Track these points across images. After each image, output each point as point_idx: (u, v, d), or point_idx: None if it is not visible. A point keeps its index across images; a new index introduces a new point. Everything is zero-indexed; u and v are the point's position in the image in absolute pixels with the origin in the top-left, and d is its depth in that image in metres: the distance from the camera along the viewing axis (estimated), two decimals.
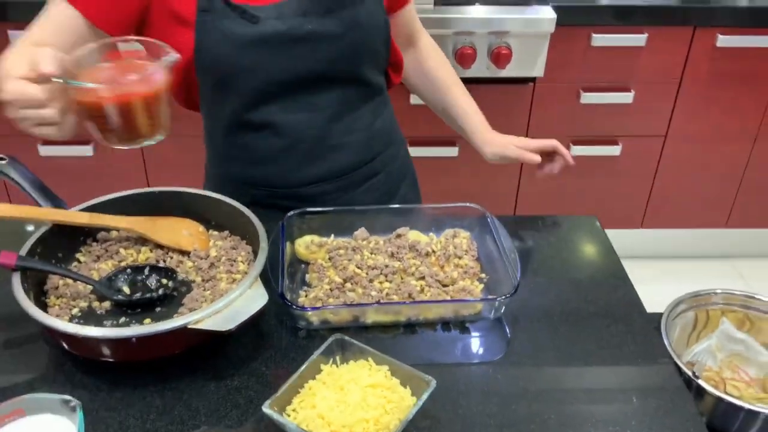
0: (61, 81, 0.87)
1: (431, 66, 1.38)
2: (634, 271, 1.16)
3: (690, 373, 1.18)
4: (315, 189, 1.26)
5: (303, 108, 1.20)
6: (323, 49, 1.15)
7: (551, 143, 1.28)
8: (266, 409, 0.81)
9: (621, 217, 2.63)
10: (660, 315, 1.27)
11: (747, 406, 1.12)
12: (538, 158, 1.27)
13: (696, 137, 2.47)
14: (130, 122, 0.95)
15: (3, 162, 1.09)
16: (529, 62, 2.21)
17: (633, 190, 2.58)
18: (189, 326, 0.88)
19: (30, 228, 1.12)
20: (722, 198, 2.63)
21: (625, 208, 2.62)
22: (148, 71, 0.95)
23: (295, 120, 1.20)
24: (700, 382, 1.15)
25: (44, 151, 2.24)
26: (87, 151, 2.25)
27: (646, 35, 2.23)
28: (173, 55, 0.95)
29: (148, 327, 0.87)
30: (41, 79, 0.86)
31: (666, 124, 2.44)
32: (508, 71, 2.21)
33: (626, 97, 2.33)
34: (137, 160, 2.30)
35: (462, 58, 2.16)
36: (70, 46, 1.00)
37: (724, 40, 2.23)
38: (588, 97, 2.33)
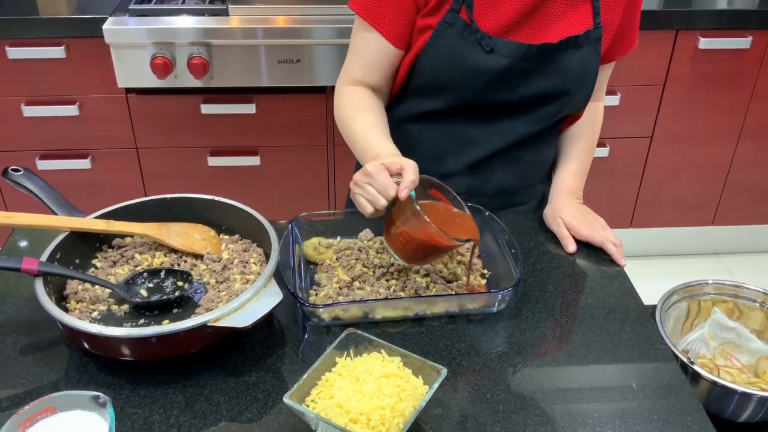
0: (414, 201, 1.02)
1: (578, 124, 1.38)
2: (626, 268, 1.20)
3: (685, 360, 1.23)
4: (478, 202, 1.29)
5: (485, 128, 1.27)
6: (529, 87, 1.22)
7: (600, 241, 1.23)
8: (287, 400, 0.85)
9: (610, 217, 2.64)
10: (654, 307, 1.32)
11: (741, 389, 1.17)
12: (572, 249, 1.23)
13: (681, 138, 2.53)
14: (419, 255, 1.08)
15: (19, 173, 1.13)
16: None
17: (621, 190, 2.64)
18: (208, 324, 0.91)
19: (31, 238, 1.16)
20: (708, 196, 2.69)
21: (614, 209, 2.67)
22: (459, 238, 1.03)
23: (473, 135, 1.28)
24: (696, 367, 1.20)
25: (42, 165, 2.26)
26: (85, 164, 2.28)
27: None
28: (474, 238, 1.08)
29: (170, 326, 0.91)
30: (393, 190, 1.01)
31: (652, 126, 2.50)
32: None
33: (613, 100, 2.39)
34: (135, 172, 2.33)
35: None
36: (382, 74, 1.25)
37: (705, 43, 2.30)
38: None
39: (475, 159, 1.30)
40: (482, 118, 1.26)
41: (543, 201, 1.42)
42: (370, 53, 1.24)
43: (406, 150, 1.15)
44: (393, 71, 1.27)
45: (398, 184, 1.02)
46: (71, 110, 2.17)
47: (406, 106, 1.31)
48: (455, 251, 1.18)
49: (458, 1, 1.17)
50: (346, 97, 1.27)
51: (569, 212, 1.28)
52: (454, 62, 1.19)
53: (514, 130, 1.28)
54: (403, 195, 1.01)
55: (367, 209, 1.05)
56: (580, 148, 1.38)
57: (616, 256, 1.21)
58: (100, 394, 0.81)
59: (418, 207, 1.01)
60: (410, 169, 1.03)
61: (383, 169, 1.03)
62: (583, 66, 1.22)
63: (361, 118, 1.22)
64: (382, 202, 1.03)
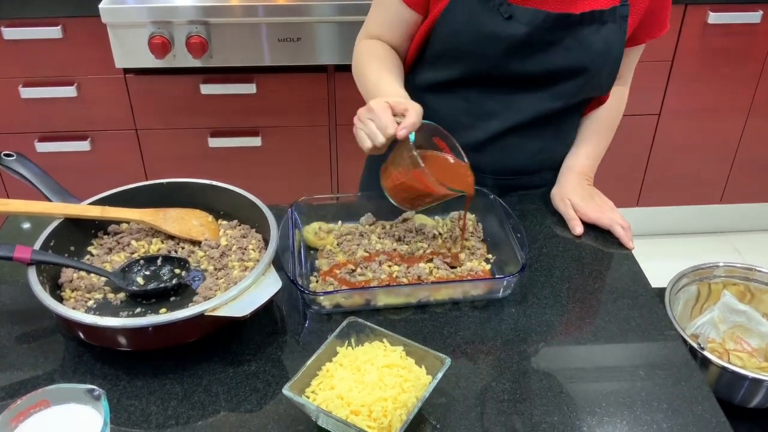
0: (412, 146, 1.01)
1: (597, 109, 1.35)
2: (632, 249, 1.18)
3: (695, 345, 1.20)
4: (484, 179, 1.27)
5: (501, 101, 1.24)
6: (548, 60, 1.18)
7: (608, 224, 1.21)
8: (286, 391, 0.83)
9: (617, 196, 2.61)
10: (663, 290, 1.29)
11: (751, 375, 1.15)
12: (579, 231, 1.21)
13: (689, 115, 2.49)
14: (410, 198, 1.08)
15: (11, 158, 1.10)
16: None
17: (628, 169, 2.60)
18: (206, 313, 0.89)
19: (27, 224, 1.13)
20: (716, 174, 2.66)
21: (621, 187, 2.64)
22: (450, 187, 1.03)
23: (489, 108, 1.25)
24: (705, 353, 1.18)
25: (41, 147, 2.24)
26: (84, 146, 2.25)
27: None
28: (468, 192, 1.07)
29: (167, 316, 0.89)
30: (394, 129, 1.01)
31: (659, 103, 2.46)
32: None
33: None
34: (135, 154, 2.30)
35: None
36: (399, 34, 1.24)
37: (715, 17, 2.25)
38: None
39: (492, 133, 1.27)
40: (500, 91, 1.23)
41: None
42: (389, 13, 1.24)
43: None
44: (411, 33, 1.26)
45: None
46: (69, 91, 2.14)
47: (423, 75, 1.29)
48: (457, 229, 1.16)
49: None
50: (362, 48, 1.27)
51: (578, 193, 1.25)
52: (471, 28, 1.16)
53: (532, 106, 1.24)
54: (401, 134, 1.00)
55: (366, 143, 1.04)
56: (597, 130, 1.34)
57: (624, 239, 1.18)
58: (95, 387, 0.79)
59: (415, 152, 1.00)
60: (414, 111, 1.03)
61: (387, 107, 1.03)
62: (606, 43, 1.18)
63: (375, 66, 1.22)
64: (380, 139, 1.02)
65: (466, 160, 1.10)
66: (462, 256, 1.11)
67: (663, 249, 2.72)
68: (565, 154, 1.35)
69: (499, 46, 1.16)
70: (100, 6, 1.93)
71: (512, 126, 1.26)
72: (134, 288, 1.01)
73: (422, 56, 1.28)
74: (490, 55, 1.18)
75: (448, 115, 1.27)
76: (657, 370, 0.96)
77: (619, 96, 1.36)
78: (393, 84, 1.17)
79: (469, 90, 1.25)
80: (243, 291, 0.93)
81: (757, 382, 1.15)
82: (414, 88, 1.29)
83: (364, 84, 1.22)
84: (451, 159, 1.11)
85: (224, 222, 1.15)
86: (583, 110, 1.34)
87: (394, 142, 1.04)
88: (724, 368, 1.17)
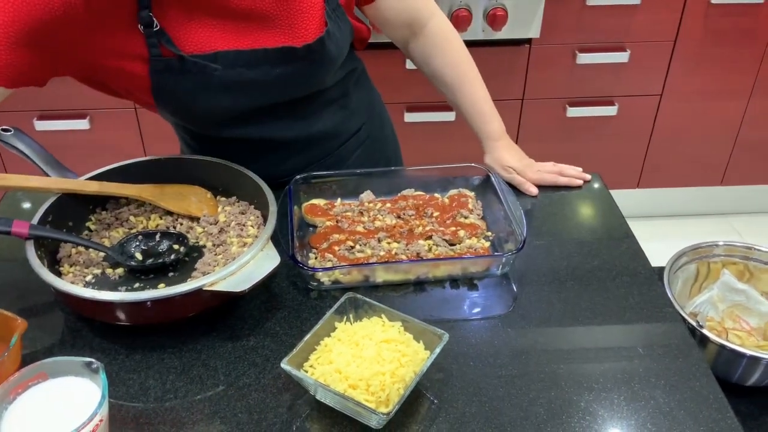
0: None
1: (437, 65, 1.28)
2: (632, 230, 1.17)
3: (694, 323, 1.20)
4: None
5: (269, 123, 1.17)
6: (284, 87, 1.11)
7: (552, 181, 1.25)
8: (285, 365, 0.83)
9: (617, 177, 2.64)
10: (662, 269, 1.29)
11: (749, 352, 1.15)
12: (535, 191, 1.24)
13: (691, 96, 2.48)
14: None
15: (9, 133, 1.09)
16: (525, 23, 2.21)
17: (629, 150, 2.59)
18: (204, 288, 0.89)
19: (25, 200, 1.13)
20: (717, 156, 2.65)
21: (622, 169, 2.63)
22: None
23: (266, 131, 1.17)
24: (704, 331, 1.18)
25: (40, 125, 2.23)
26: (84, 125, 2.25)
27: None
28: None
29: (165, 290, 0.88)
30: None
31: (662, 83, 2.45)
32: (504, 33, 2.21)
33: (622, 57, 2.34)
34: (134, 132, 2.30)
35: (457, 20, 2.15)
36: None
37: None
38: (584, 58, 2.33)
39: (286, 148, 1.21)
40: (259, 122, 1.15)
41: (361, 134, 1.32)
42: None
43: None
44: None
45: None
46: None
47: (186, 133, 1.23)
48: (458, 213, 1.15)
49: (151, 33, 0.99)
50: None
51: (514, 159, 1.27)
52: (191, 95, 1.06)
53: (297, 124, 1.19)
54: None
55: None
56: (471, 84, 1.28)
57: (571, 183, 1.25)
58: (93, 360, 0.79)
59: None
60: None
61: None
62: (338, 47, 1.12)
63: None
64: None
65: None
66: (461, 233, 1.11)
67: (663, 230, 2.72)
68: (369, 97, 1.32)
69: (222, 94, 1.07)
70: None
71: (300, 127, 1.20)
72: (133, 263, 1.01)
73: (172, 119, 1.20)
74: (221, 104, 1.08)
75: (241, 155, 1.17)
76: (655, 347, 0.96)
77: (441, 37, 1.27)
78: None
79: (234, 132, 1.16)
80: (241, 266, 0.92)
81: (755, 360, 1.15)
82: (195, 145, 1.23)
83: None
84: None
85: (223, 198, 1.15)
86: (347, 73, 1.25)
87: None
88: (722, 346, 1.17)
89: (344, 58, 1.18)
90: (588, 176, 1.26)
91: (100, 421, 0.75)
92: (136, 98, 1.11)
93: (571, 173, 1.26)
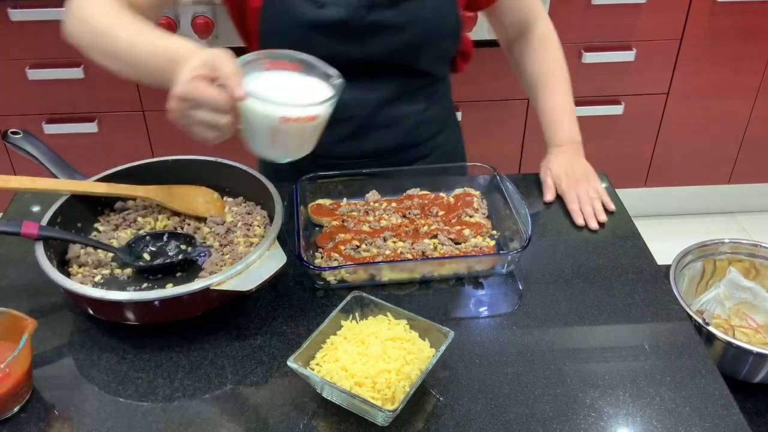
0: (257, 99, 0.84)
1: (527, 67, 1.32)
2: (639, 229, 1.17)
3: (700, 320, 1.20)
4: (361, 164, 1.25)
5: (356, 88, 1.16)
6: (383, 40, 1.15)
7: (568, 200, 1.21)
8: (291, 363, 0.83)
9: (625, 176, 2.64)
10: (668, 267, 1.29)
11: (756, 349, 1.15)
12: (549, 199, 1.22)
13: (698, 94, 2.48)
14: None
15: (18, 136, 1.11)
16: None
17: (636, 149, 2.59)
18: (211, 288, 0.90)
19: (34, 202, 1.14)
20: (725, 154, 2.64)
21: (629, 167, 2.63)
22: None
23: (347, 97, 1.19)
24: (710, 328, 1.18)
25: (49, 129, 2.25)
26: (92, 128, 2.26)
27: None
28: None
29: (173, 290, 0.89)
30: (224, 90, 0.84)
31: (668, 82, 2.44)
32: None
33: (628, 56, 2.33)
34: (142, 135, 2.31)
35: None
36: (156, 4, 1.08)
37: None
38: (590, 57, 2.33)
39: (360, 120, 1.23)
40: (352, 78, 1.11)
41: (449, 148, 1.37)
42: None
43: None
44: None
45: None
46: (76, 73, 2.14)
47: None
48: (463, 212, 1.16)
49: None
50: (93, 5, 1.00)
51: (559, 164, 1.26)
52: (292, 22, 1.12)
53: (389, 85, 1.22)
54: (239, 93, 0.83)
55: (210, 135, 0.86)
56: (554, 89, 1.31)
57: (572, 215, 1.19)
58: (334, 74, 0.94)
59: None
60: (223, 62, 0.83)
61: (200, 82, 0.83)
62: (435, 10, 1.15)
63: (128, 20, 0.97)
64: (223, 120, 0.85)
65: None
66: (466, 232, 1.11)
67: (671, 229, 2.71)
68: (439, 122, 1.33)
69: (326, 34, 1.12)
70: None
71: (377, 109, 1.23)
72: (141, 263, 1.02)
73: None
74: (322, 45, 1.12)
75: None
76: (661, 345, 0.96)
77: (543, 41, 1.31)
78: (170, 37, 0.93)
79: None
80: (248, 266, 0.93)
81: (762, 357, 1.15)
82: None
83: (116, 44, 0.96)
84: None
85: (229, 199, 1.15)
86: (447, 73, 1.31)
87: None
88: (728, 343, 1.17)
89: (443, 49, 1.21)
90: (602, 218, 1.18)
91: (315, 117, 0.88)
92: None
93: (587, 210, 1.19)
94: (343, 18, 1.12)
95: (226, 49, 0.86)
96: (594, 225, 1.17)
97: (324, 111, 0.90)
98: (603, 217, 1.18)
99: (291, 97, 0.86)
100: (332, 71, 0.94)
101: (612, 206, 1.21)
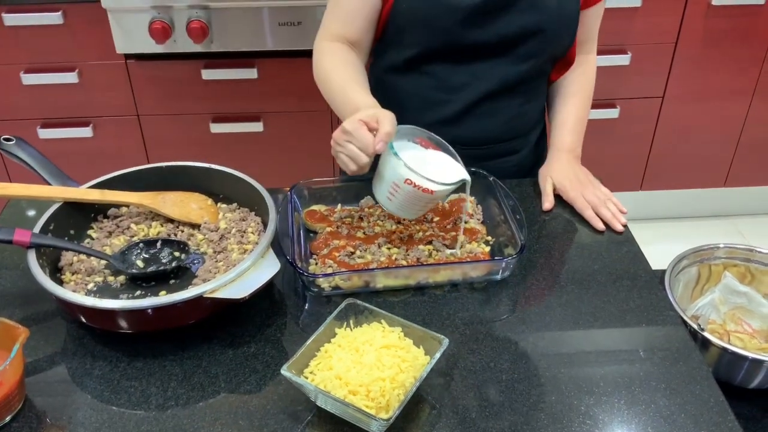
0: (394, 152, 1.01)
1: (560, 86, 1.38)
2: (635, 232, 1.17)
3: (695, 326, 1.20)
4: (459, 151, 1.23)
5: (466, 73, 1.25)
6: (512, 24, 1.19)
7: (580, 208, 1.21)
8: (285, 371, 0.83)
9: (620, 179, 2.64)
10: (663, 272, 1.29)
11: (751, 355, 1.14)
12: (547, 206, 1.23)
13: (693, 97, 2.48)
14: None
15: (11, 142, 1.10)
16: None
17: (631, 152, 2.59)
18: (204, 295, 0.89)
19: (28, 209, 1.14)
20: (720, 157, 2.64)
21: (624, 171, 2.63)
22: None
23: (457, 80, 1.26)
24: (705, 333, 1.18)
25: (44, 133, 2.24)
26: (86, 132, 2.26)
27: None
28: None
29: (166, 298, 0.89)
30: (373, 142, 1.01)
31: (663, 85, 2.44)
32: None
33: (623, 59, 2.33)
34: (137, 140, 2.30)
35: None
36: (360, 26, 1.23)
37: None
38: None
39: (463, 104, 1.28)
40: (463, 62, 1.24)
41: (537, 149, 1.42)
42: (348, 4, 1.23)
43: (390, 104, 1.12)
44: (371, 22, 1.24)
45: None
46: (71, 77, 2.14)
47: (387, 58, 1.30)
48: (458, 218, 1.15)
49: None
50: (324, 53, 1.24)
51: (561, 172, 1.26)
52: (427, 1, 1.17)
53: (497, 73, 1.25)
54: (379, 148, 1.00)
55: (351, 167, 1.04)
56: (575, 103, 1.35)
57: (591, 221, 1.19)
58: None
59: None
60: (386, 120, 1.01)
61: (361, 125, 1.02)
62: (560, 2, 1.20)
63: (340, 72, 1.20)
64: (364, 159, 1.02)
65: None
66: (461, 238, 1.11)
67: (667, 232, 2.71)
68: (533, 120, 1.37)
69: (457, 15, 1.17)
70: None
71: (482, 95, 1.27)
72: (134, 271, 1.01)
73: (383, 39, 1.27)
74: (449, 26, 1.18)
75: (416, 93, 1.29)
76: (656, 351, 0.96)
77: (586, 65, 1.37)
78: (361, 93, 1.15)
79: (433, 65, 1.25)
80: (242, 273, 0.93)
81: (757, 363, 1.15)
82: (378, 72, 1.31)
83: (330, 90, 1.21)
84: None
85: (223, 205, 1.15)
86: (550, 72, 1.35)
87: (377, 156, 1.03)
88: (724, 349, 1.16)
89: (559, 44, 1.25)
90: (623, 221, 1.18)
91: (432, 191, 1.01)
92: None
93: (606, 214, 1.19)
94: (480, 2, 1.16)
95: (393, 114, 1.04)
96: (619, 227, 1.18)
97: (439, 190, 1.02)
98: (623, 219, 1.19)
99: (421, 169, 1.01)
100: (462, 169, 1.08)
101: (624, 208, 1.21)
